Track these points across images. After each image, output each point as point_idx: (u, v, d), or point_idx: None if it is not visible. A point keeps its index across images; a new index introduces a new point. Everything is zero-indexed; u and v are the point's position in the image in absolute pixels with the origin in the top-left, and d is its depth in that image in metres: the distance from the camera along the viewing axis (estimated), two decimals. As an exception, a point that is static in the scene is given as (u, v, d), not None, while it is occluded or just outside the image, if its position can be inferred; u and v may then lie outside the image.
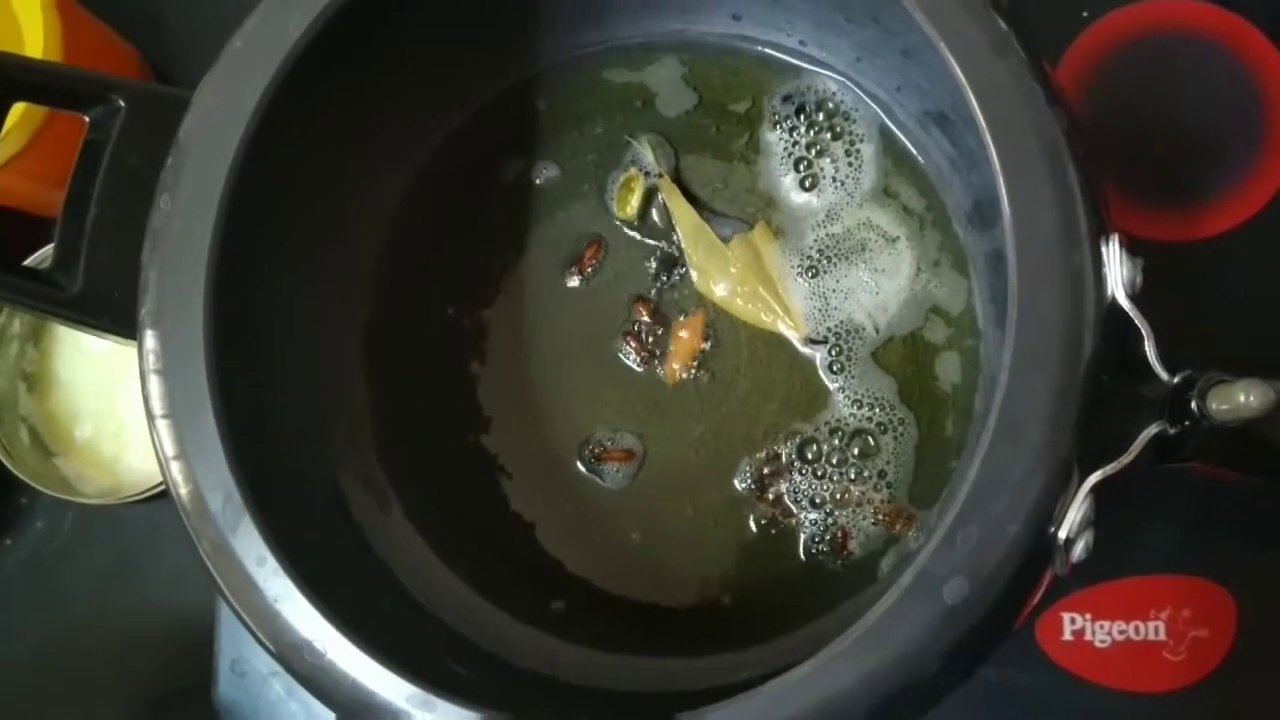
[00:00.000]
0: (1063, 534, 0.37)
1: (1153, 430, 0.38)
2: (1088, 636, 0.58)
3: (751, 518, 0.51)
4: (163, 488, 0.41)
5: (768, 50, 0.54)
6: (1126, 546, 0.58)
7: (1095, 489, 0.37)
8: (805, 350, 0.52)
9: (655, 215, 0.54)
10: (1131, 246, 0.51)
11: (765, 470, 0.51)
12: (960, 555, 0.36)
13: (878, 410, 0.51)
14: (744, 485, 0.51)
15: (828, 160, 0.53)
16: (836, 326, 0.52)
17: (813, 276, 0.52)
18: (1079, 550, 0.38)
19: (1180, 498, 0.59)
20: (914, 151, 0.52)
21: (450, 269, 0.54)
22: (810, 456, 0.51)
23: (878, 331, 0.52)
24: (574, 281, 0.54)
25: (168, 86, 0.45)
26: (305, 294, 0.48)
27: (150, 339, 0.40)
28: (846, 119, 0.54)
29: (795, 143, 0.54)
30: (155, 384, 0.40)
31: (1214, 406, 0.36)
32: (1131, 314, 0.38)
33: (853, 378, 0.52)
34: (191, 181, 0.40)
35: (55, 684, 0.65)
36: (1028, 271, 0.37)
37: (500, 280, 0.54)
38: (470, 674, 0.44)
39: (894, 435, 0.51)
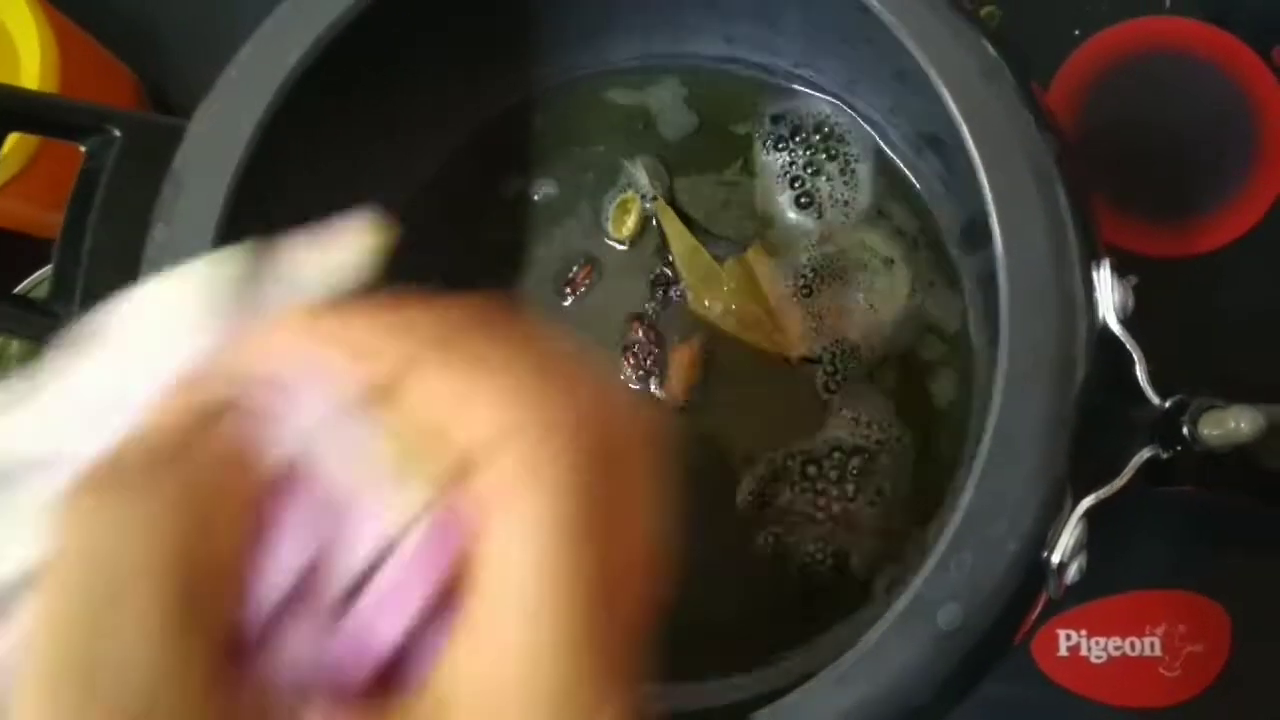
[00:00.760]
0: (1056, 558, 0.37)
1: (1145, 454, 0.38)
2: (1083, 652, 0.58)
3: (751, 536, 0.51)
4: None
5: (761, 74, 0.54)
6: (1121, 562, 0.59)
7: (1088, 513, 0.38)
8: (802, 369, 0.52)
9: (651, 235, 0.54)
10: (1123, 267, 0.52)
11: (765, 489, 0.51)
12: (954, 581, 0.36)
13: (875, 428, 0.51)
14: (743, 502, 0.51)
15: (823, 180, 0.54)
16: (832, 345, 0.52)
17: (807, 296, 0.53)
18: (1072, 573, 0.38)
19: (1175, 514, 0.59)
20: (907, 173, 0.53)
21: (447, 286, 0.54)
22: (809, 474, 0.51)
23: (873, 351, 0.52)
24: (567, 301, 0.54)
25: (163, 116, 0.45)
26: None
27: (147, 367, 0.40)
28: (841, 141, 0.54)
29: (791, 163, 0.54)
30: (152, 412, 0.40)
31: (1205, 431, 0.36)
32: (1123, 338, 0.38)
33: (849, 396, 0.52)
34: (187, 210, 0.40)
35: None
36: (1019, 296, 0.37)
37: (496, 296, 0.54)
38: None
39: (891, 453, 0.51)
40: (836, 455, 0.51)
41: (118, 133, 0.43)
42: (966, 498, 0.36)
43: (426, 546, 0.23)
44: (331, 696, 0.22)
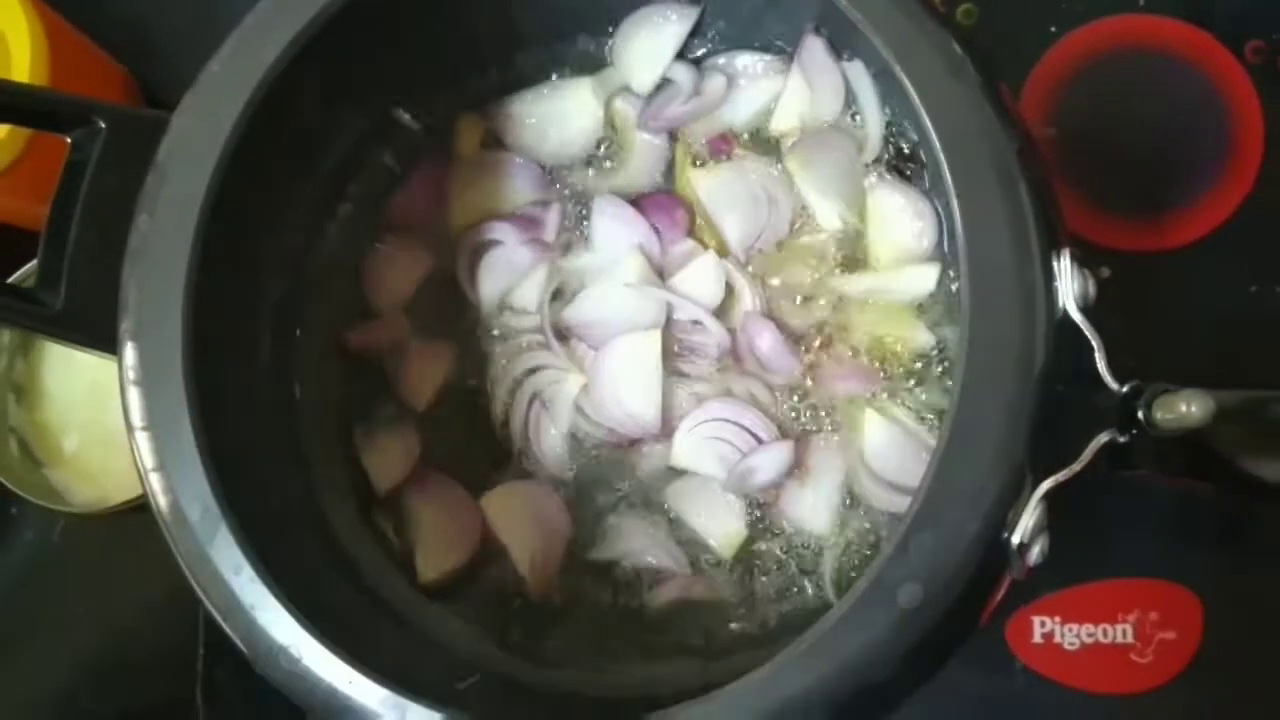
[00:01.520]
0: (1016, 539, 0.38)
1: (1103, 439, 0.39)
2: (1057, 639, 0.59)
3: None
4: (146, 498, 0.42)
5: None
6: (1095, 551, 0.60)
7: (1048, 495, 0.38)
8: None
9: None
10: (1098, 260, 0.53)
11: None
12: (915, 561, 0.37)
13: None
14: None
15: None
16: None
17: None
18: (1035, 555, 0.39)
19: (1148, 503, 0.60)
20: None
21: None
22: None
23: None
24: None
25: (147, 109, 0.46)
26: (284, 306, 0.50)
27: (130, 353, 0.41)
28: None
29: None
30: (135, 396, 0.41)
31: (1159, 416, 0.37)
32: (1083, 326, 0.39)
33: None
34: (170, 201, 0.41)
35: (41, 691, 0.66)
36: (981, 285, 0.38)
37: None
38: (442, 677, 0.45)
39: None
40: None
41: (103, 124, 0.44)
42: (927, 480, 0.37)
43: None
44: None
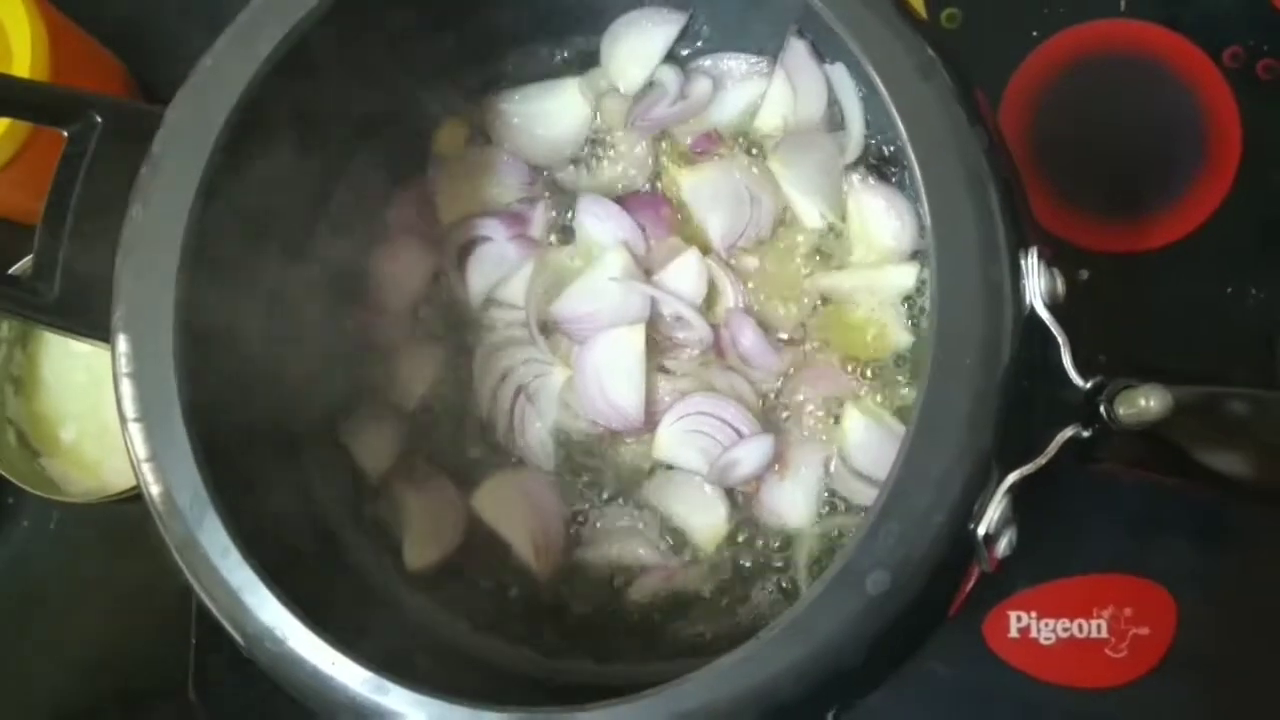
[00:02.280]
0: (982, 530, 0.39)
1: (1068, 433, 0.40)
2: (1033, 634, 0.60)
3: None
4: (141, 488, 0.43)
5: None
6: (1070, 547, 0.61)
7: (1014, 488, 0.39)
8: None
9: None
10: (1075, 261, 0.54)
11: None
12: (882, 549, 0.38)
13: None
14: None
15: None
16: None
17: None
18: (1002, 547, 0.40)
19: (1123, 500, 0.61)
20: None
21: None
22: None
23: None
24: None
25: (142, 103, 0.47)
26: (271, 297, 0.51)
27: (122, 343, 0.42)
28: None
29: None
30: (127, 387, 0.42)
31: (1120, 410, 0.38)
32: (1049, 323, 0.40)
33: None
34: (163, 192, 0.42)
35: (36, 677, 0.67)
36: (949, 281, 0.39)
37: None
38: (424, 660, 0.46)
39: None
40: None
41: (99, 118, 0.45)
42: (895, 470, 0.38)
43: None
44: None
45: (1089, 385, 0.40)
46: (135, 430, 0.42)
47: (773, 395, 0.54)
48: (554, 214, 0.56)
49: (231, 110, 0.43)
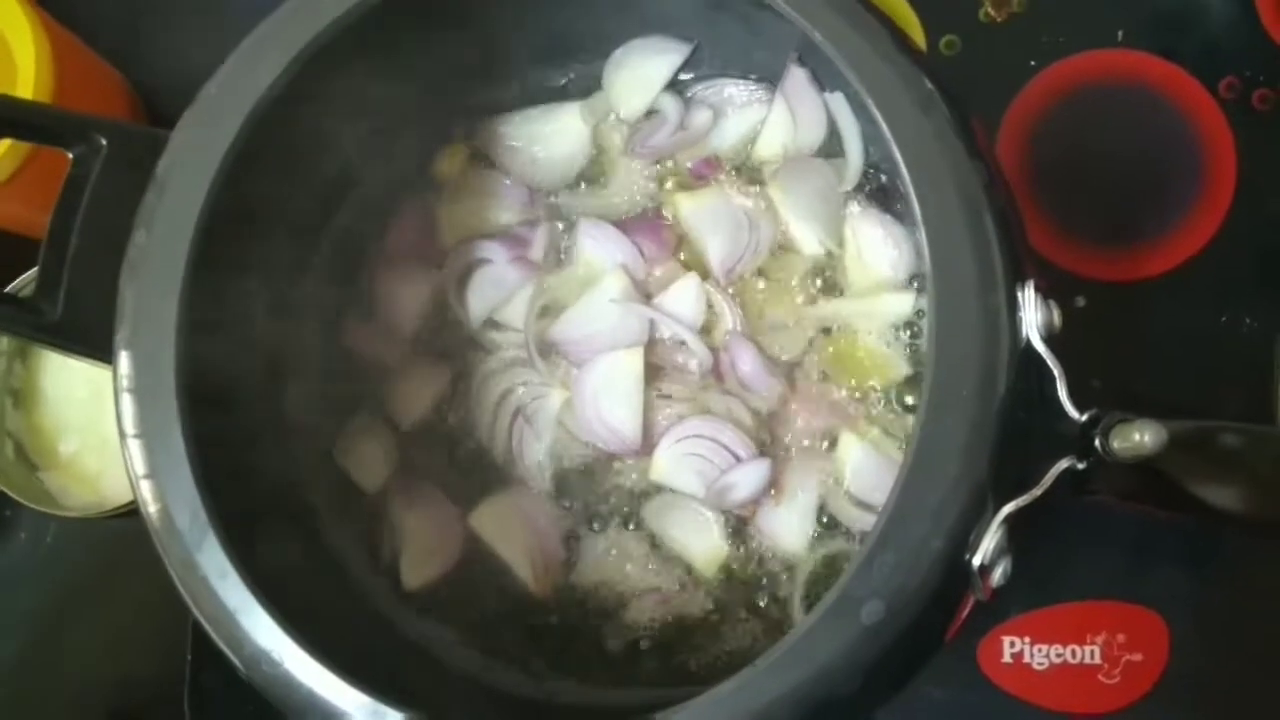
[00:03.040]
0: (978, 561, 0.39)
1: (1063, 465, 0.40)
2: (1026, 659, 0.61)
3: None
4: (139, 503, 0.43)
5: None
6: (1064, 574, 0.61)
7: (1009, 519, 0.40)
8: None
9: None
10: (1071, 289, 0.54)
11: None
12: (877, 579, 0.38)
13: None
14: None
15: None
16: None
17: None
18: (997, 577, 0.40)
19: (1116, 526, 0.61)
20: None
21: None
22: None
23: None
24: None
25: (147, 126, 0.47)
26: (273, 320, 0.51)
27: (125, 361, 0.43)
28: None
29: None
30: (128, 404, 0.42)
31: (1115, 444, 0.38)
32: (1045, 355, 0.40)
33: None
34: (167, 216, 0.43)
35: (32, 692, 0.67)
36: (946, 313, 0.39)
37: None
38: (421, 682, 0.46)
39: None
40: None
41: (103, 141, 0.45)
42: (891, 501, 0.38)
43: None
44: None
45: (1084, 418, 0.40)
46: (135, 446, 0.42)
47: (771, 420, 0.54)
48: (554, 237, 0.56)
49: (235, 135, 0.43)
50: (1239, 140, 0.65)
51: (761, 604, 0.53)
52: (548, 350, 0.55)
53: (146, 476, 0.42)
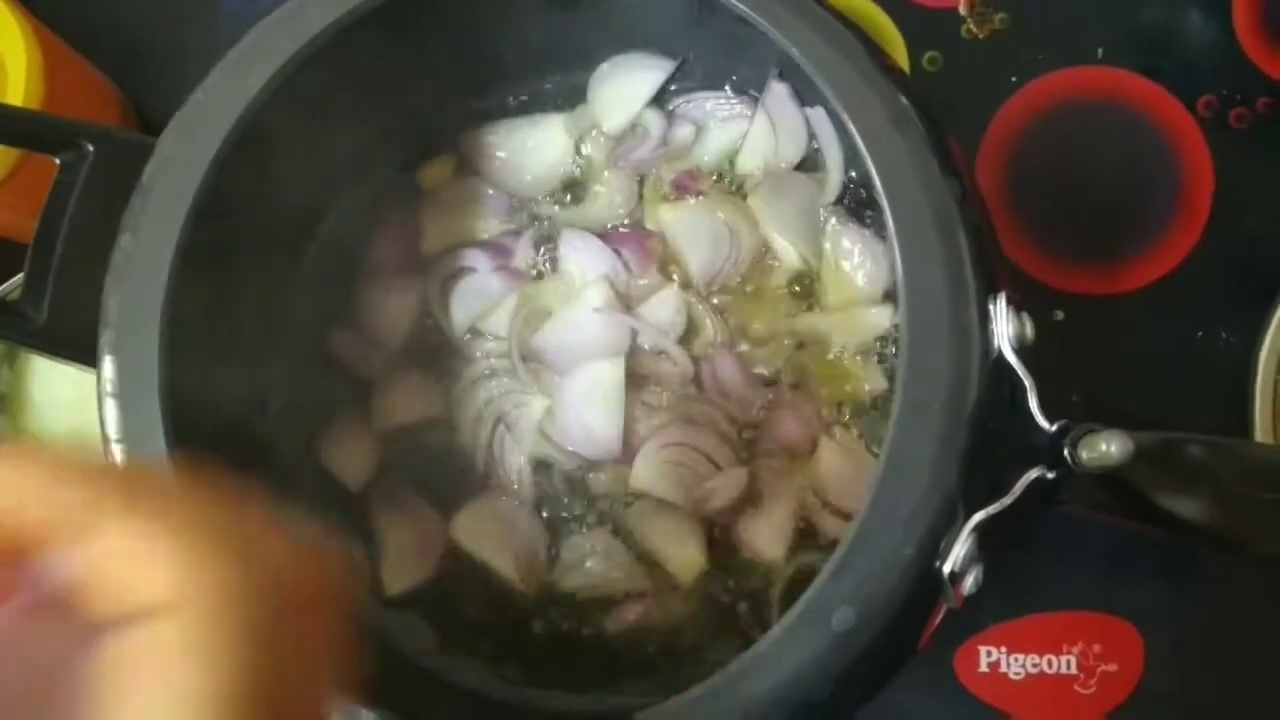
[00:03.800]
0: (948, 569, 0.40)
1: (1033, 474, 0.41)
2: (1003, 669, 0.61)
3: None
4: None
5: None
6: (1040, 583, 0.62)
7: (979, 527, 0.40)
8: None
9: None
10: (1050, 303, 0.54)
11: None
12: (848, 586, 0.39)
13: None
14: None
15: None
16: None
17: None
18: (968, 585, 0.41)
19: (1092, 538, 0.62)
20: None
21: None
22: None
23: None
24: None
25: (134, 134, 0.47)
26: (258, 326, 0.51)
27: (108, 366, 0.43)
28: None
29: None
30: (111, 409, 0.43)
31: (1083, 454, 0.39)
32: (1016, 367, 0.41)
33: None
34: (152, 223, 0.43)
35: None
36: (918, 324, 0.40)
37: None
38: (399, 687, 0.46)
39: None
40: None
41: (90, 147, 0.45)
42: (863, 509, 0.39)
43: None
44: None
45: (1054, 428, 0.40)
46: (118, 451, 0.43)
47: (750, 430, 0.55)
48: (537, 247, 0.57)
49: (222, 143, 0.43)
50: (1216, 158, 0.66)
51: (740, 612, 0.53)
52: (530, 358, 0.56)
53: (129, 480, 0.42)
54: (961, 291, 0.40)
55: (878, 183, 0.41)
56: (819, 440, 0.53)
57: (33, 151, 0.46)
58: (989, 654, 0.61)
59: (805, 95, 0.54)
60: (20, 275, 0.60)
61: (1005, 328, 0.41)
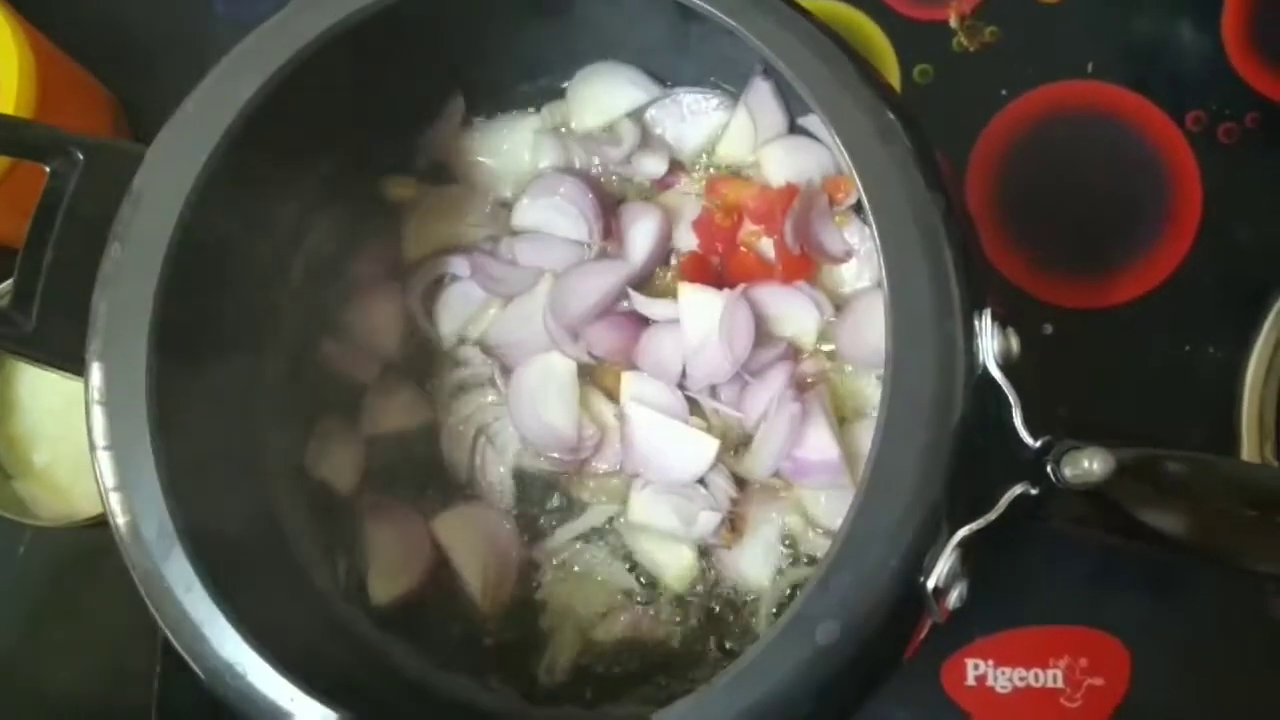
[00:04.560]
0: (932, 583, 0.40)
1: (1017, 491, 0.41)
2: (990, 682, 0.61)
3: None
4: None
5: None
6: (1027, 597, 0.62)
7: (964, 542, 0.40)
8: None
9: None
10: (1039, 316, 0.54)
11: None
12: (832, 600, 0.39)
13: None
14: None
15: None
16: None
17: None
18: (953, 599, 0.41)
19: (1078, 552, 0.62)
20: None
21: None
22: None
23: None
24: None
25: (124, 142, 0.48)
26: (243, 334, 0.52)
27: (96, 373, 0.43)
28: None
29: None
30: (99, 416, 0.43)
31: (1066, 471, 0.39)
32: (1001, 382, 0.41)
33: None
34: (142, 230, 0.43)
35: (2, 699, 0.67)
36: (903, 339, 0.40)
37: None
38: (387, 697, 0.47)
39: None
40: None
41: (80, 156, 0.46)
42: (846, 524, 0.39)
43: None
44: None
45: (1038, 444, 0.41)
46: (104, 458, 0.43)
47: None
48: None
49: (211, 152, 0.44)
50: (1205, 173, 0.66)
51: (728, 628, 0.53)
52: (488, 351, 0.56)
53: (115, 489, 0.42)
54: (947, 306, 0.41)
55: (863, 196, 0.41)
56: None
57: (22, 159, 0.46)
58: (976, 667, 0.61)
59: (797, 109, 0.54)
60: (8, 282, 0.60)
61: (991, 343, 0.41)
